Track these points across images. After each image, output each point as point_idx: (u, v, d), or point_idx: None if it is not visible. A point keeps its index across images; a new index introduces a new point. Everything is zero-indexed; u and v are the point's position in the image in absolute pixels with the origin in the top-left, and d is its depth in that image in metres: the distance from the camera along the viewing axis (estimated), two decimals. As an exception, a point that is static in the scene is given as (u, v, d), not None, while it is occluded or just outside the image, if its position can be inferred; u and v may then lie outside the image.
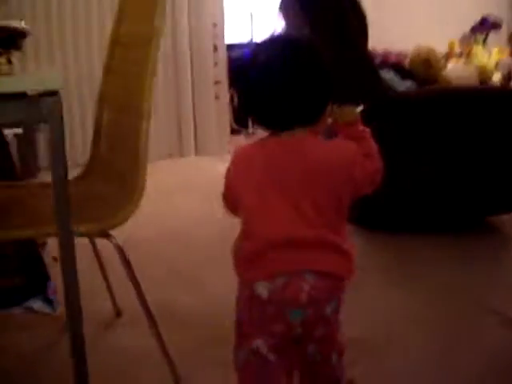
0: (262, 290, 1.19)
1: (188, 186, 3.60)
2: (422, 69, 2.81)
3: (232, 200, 1.30)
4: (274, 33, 1.53)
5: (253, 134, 4.58)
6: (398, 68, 2.74)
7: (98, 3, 4.06)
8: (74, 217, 1.34)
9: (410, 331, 1.84)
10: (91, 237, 1.45)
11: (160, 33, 1.34)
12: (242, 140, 4.61)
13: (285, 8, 2.80)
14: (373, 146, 1.26)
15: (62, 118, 0.98)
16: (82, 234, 1.28)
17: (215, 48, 4.47)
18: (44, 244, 2.42)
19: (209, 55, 4.42)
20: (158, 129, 4.35)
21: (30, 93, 0.99)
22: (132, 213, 1.37)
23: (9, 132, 2.41)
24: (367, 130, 1.29)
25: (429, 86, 2.74)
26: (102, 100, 1.70)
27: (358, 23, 2.45)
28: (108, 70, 1.68)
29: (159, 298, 2.08)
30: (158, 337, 1.53)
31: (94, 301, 2.02)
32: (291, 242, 1.19)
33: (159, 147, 4.40)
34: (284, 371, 1.27)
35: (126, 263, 1.43)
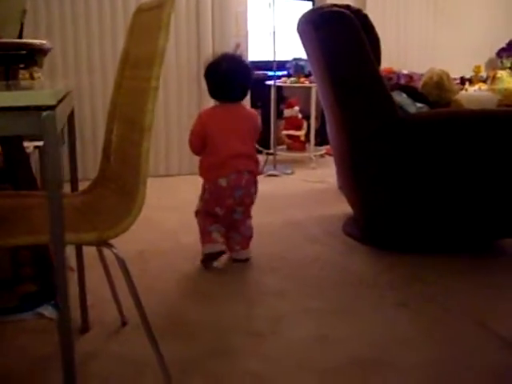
0: (222, 181, 2.49)
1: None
2: (435, 91, 2.84)
3: (201, 140, 2.53)
4: (225, 52, 2.73)
5: (274, 154, 4.65)
6: (411, 91, 2.77)
7: (111, 22, 4.20)
8: (74, 226, 1.41)
9: (411, 351, 1.86)
10: (91, 245, 1.50)
11: (163, 52, 1.41)
12: (262, 158, 4.66)
13: (301, 31, 2.86)
14: None
15: (55, 132, 1.04)
16: (79, 243, 1.33)
17: (238, 67, 4.55)
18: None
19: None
20: (182, 146, 4.44)
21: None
22: (130, 225, 1.41)
23: (29, 144, 2.49)
24: None
25: (440, 108, 2.77)
26: (112, 116, 1.77)
27: (370, 45, 2.49)
28: (118, 86, 1.76)
29: (169, 308, 2.17)
30: (155, 347, 1.58)
31: (103, 309, 2.11)
32: (239, 155, 2.50)
33: (182, 163, 4.49)
34: (225, 228, 2.60)
35: (126, 273, 1.48)
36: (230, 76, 2.52)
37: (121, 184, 1.61)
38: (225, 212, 2.56)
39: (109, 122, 1.78)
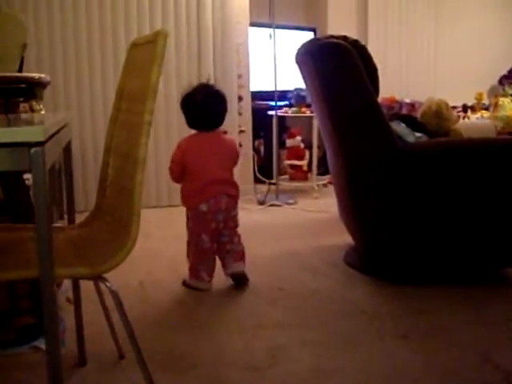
0: (203, 207, 2.60)
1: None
2: (434, 121, 2.85)
3: (181, 168, 2.64)
4: (200, 83, 2.80)
5: (276, 184, 4.66)
6: (410, 120, 2.77)
7: (113, 54, 4.25)
8: (67, 261, 1.41)
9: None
10: (84, 279, 1.50)
11: (156, 87, 1.42)
12: (265, 188, 4.68)
13: (300, 62, 2.89)
14: None
15: (44, 167, 1.04)
16: (71, 277, 1.33)
17: (240, 98, 4.58)
18: (59, 285, 2.49)
19: (234, 105, 4.52)
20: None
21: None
22: (124, 258, 1.41)
23: (29, 176, 2.50)
24: None
25: (439, 138, 2.77)
26: (108, 149, 1.78)
27: (368, 75, 2.50)
28: (114, 120, 1.77)
29: (166, 341, 2.15)
30: (150, 381, 1.56)
31: (101, 342, 2.09)
32: (217, 181, 2.61)
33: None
34: (214, 251, 2.70)
35: (120, 307, 1.47)
36: (206, 106, 2.64)
37: (116, 217, 1.61)
38: (212, 237, 2.66)
39: (105, 154, 1.79)
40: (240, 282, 2.69)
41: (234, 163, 2.75)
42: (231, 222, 2.69)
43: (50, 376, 1.20)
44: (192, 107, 2.66)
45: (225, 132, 2.97)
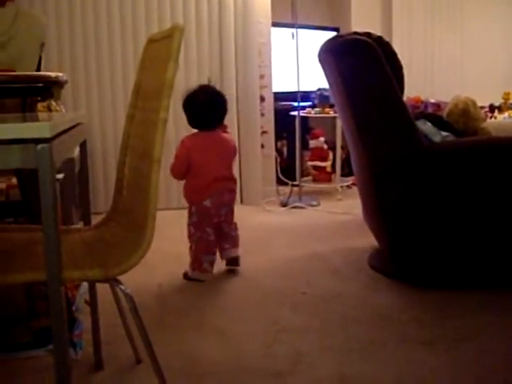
0: (207, 203, 2.75)
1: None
2: (461, 120, 2.76)
3: (186, 165, 2.76)
4: (202, 84, 2.93)
5: (299, 185, 4.60)
6: (436, 119, 2.69)
7: (133, 53, 4.22)
8: (79, 263, 1.36)
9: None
10: (97, 282, 1.45)
11: (172, 83, 1.37)
12: (287, 189, 4.62)
13: (322, 60, 2.82)
14: None
15: (52, 165, 1.00)
16: (83, 280, 1.28)
17: (262, 98, 4.52)
18: (78, 287, 2.46)
19: (256, 105, 4.47)
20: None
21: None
22: (138, 260, 1.36)
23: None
24: None
25: (467, 137, 2.68)
26: (124, 148, 1.74)
27: (393, 73, 2.43)
28: (130, 118, 1.73)
29: (184, 346, 2.10)
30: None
31: (118, 346, 2.05)
32: (220, 178, 2.77)
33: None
34: (216, 242, 2.84)
35: (134, 311, 1.43)
36: (209, 106, 2.79)
37: (131, 218, 1.56)
38: (214, 230, 2.82)
39: (121, 154, 1.74)
40: (233, 265, 2.88)
41: (233, 159, 2.94)
42: (231, 214, 2.88)
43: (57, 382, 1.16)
44: (195, 107, 2.80)
45: (225, 127, 3.12)
